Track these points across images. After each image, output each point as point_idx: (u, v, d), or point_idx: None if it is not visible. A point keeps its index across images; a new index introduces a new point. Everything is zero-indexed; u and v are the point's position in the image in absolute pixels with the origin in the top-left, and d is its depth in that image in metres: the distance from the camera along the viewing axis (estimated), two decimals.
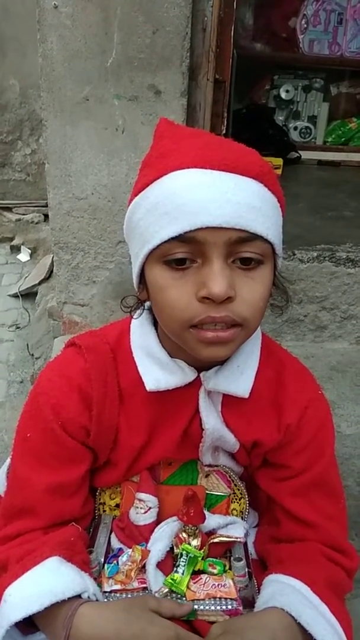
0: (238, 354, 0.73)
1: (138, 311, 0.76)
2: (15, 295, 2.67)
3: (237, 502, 0.82)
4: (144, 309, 0.76)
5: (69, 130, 1.43)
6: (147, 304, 0.75)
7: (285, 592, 0.68)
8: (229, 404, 0.75)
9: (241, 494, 0.82)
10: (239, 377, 0.73)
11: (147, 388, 0.71)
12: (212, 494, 0.80)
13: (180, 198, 0.59)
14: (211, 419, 0.74)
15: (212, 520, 0.77)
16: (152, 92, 1.39)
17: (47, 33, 1.34)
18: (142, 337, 0.76)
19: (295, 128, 2.87)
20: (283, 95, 2.84)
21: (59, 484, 0.72)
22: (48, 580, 0.64)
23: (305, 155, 2.71)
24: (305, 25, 2.73)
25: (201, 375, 0.73)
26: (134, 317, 0.76)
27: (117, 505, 0.81)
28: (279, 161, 2.36)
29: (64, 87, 1.38)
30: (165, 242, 0.60)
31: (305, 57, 2.79)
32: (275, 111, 2.89)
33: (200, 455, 0.79)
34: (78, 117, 1.41)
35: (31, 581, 0.64)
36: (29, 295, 2.63)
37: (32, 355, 2.18)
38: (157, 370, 0.72)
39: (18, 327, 2.47)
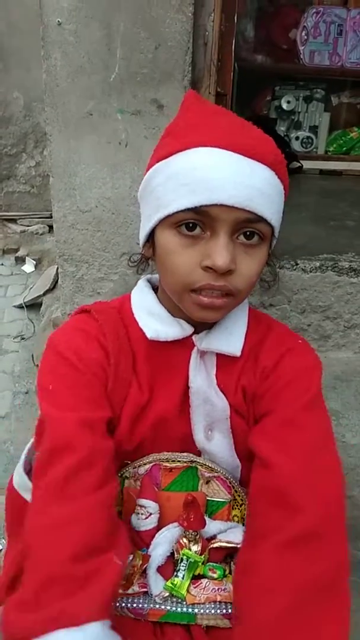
0: (227, 318, 0.80)
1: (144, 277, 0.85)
2: (20, 306, 2.69)
3: (238, 509, 0.83)
4: (147, 265, 0.85)
5: (73, 145, 1.45)
6: (145, 282, 0.85)
7: None
8: (222, 366, 0.80)
9: (242, 500, 0.83)
10: (229, 337, 0.79)
11: (148, 336, 0.77)
12: (213, 501, 0.81)
13: (202, 174, 0.65)
14: (198, 379, 0.78)
15: (213, 526, 0.79)
16: (154, 106, 1.41)
17: (51, 49, 1.36)
18: (142, 300, 0.82)
19: (297, 138, 2.88)
20: (284, 106, 2.85)
21: (90, 420, 0.69)
22: None
23: (307, 165, 2.72)
24: (305, 37, 2.76)
25: (193, 337, 0.79)
26: (138, 272, 0.86)
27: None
28: None
29: (68, 102, 1.40)
30: (181, 211, 0.66)
31: (306, 68, 2.80)
32: (276, 122, 2.90)
33: (193, 433, 0.80)
34: (82, 131, 1.43)
35: None
36: (33, 306, 2.65)
37: (37, 366, 2.18)
38: (157, 324, 0.78)
39: (23, 338, 2.48)
